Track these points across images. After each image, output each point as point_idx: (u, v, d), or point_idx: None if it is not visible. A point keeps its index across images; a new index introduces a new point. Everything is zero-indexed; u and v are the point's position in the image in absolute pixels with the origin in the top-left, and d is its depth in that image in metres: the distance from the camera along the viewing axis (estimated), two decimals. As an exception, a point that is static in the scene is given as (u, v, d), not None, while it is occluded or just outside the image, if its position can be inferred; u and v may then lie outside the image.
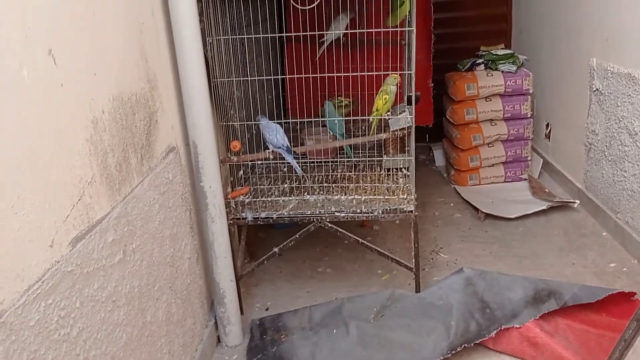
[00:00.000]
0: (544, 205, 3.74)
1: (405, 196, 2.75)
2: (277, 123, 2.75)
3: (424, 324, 2.51)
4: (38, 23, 1.35)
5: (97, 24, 1.65)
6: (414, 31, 2.52)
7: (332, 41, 3.22)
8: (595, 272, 3.04)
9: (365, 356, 2.42)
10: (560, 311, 2.50)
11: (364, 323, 2.58)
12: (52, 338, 1.35)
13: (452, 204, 4.07)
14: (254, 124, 2.84)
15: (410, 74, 2.61)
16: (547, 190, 4.01)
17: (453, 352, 2.36)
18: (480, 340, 2.40)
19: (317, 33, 2.73)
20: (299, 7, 2.44)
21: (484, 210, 3.77)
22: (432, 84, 4.21)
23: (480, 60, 4.26)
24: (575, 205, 3.74)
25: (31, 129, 1.31)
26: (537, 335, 2.38)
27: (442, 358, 2.34)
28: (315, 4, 2.38)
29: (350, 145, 3.10)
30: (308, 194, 2.84)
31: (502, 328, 2.41)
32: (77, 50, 1.54)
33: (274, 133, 2.71)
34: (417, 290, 2.81)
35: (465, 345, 2.37)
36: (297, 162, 2.77)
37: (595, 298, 2.49)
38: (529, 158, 4.28)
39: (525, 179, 4.26)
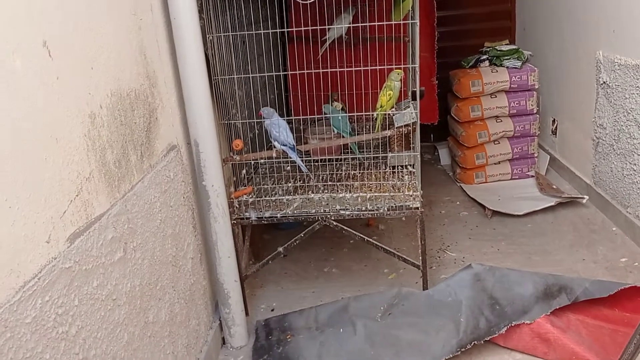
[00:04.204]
0: (552, 202, 3.68)
1: (410, 193, 2.70)
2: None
3: (432, 321, 2.46)
4: (30, 13, 1.32)
5: (92, 16, 1.62)
6: (417, 24, 2.48)
7: (334, 39, 3.18)
8: (606, 267, 2.98)
9: (373, 355, 2.37)
10: (572, 307, 2.45)
11: (372, 322, 2.54)
12: (49, 336, 1.31)
13: (458, 203, 4.02)
14: (257, 122, 2.80)
15: (414, 68, 2.57)
16: (554, 186, 3.96)
17: (463, 349, 2.31)
18: (490, 337, 2.36)
19: (319, 28, 2.70)
20: (300, 2, 2.40)
21: (491, 208, 3.71)
22: (437, 82, 4.17)
23: (484, 57, 4.22)
24: (584, 200, 3.67)
25: (25, 121, 1.28)
26: (548, 332, 2.33)
27: (451, 356, 2.29)
28: (316, -2, 2.34)
29: (355, 143, 3.06)
30: (312, 192, 2.80)
31: (513, 324, 2.36)
32: (73, 43, 1.50)
33: (280, 130, 2.66)
34: (425, 288, 2.76)
35: (475, 342, 2.33)
36: (302, 161, 2.73)
37: (608, 292, 2.43)
38: (535, 154, 4.23)
39: (532, 176, 4.21)
